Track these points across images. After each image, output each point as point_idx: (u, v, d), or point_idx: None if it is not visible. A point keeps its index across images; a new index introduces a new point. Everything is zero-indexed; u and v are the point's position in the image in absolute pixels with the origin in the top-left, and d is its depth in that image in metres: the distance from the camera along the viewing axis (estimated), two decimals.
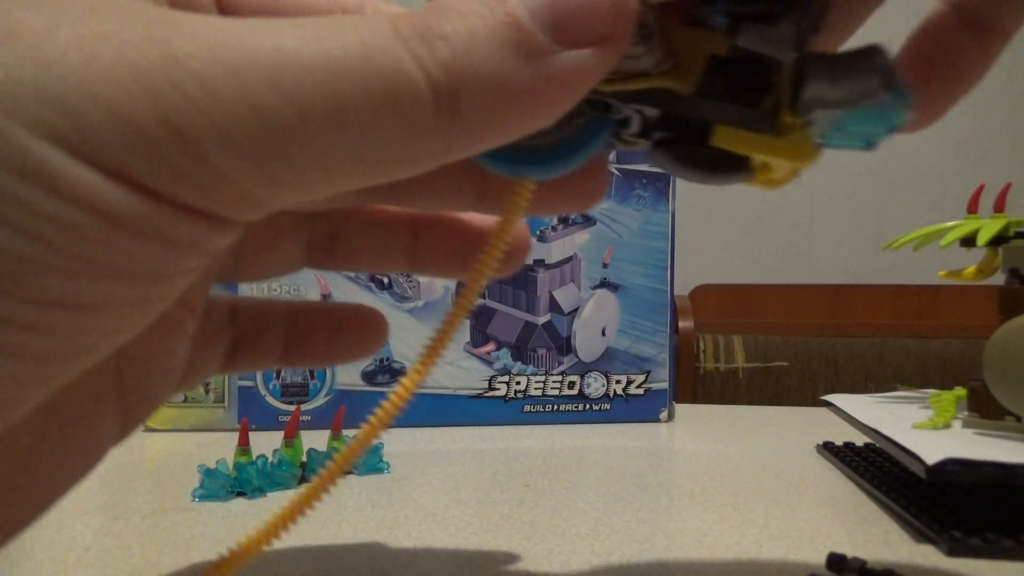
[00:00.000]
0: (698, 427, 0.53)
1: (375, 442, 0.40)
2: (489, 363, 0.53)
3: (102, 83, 0.11)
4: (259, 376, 0.50)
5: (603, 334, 0.54)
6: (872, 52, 0.15)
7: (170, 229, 0.12)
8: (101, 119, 0.11)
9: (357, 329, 0.23)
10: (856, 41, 0.17)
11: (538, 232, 0.53)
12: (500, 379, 0.53)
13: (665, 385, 0.54)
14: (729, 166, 0.16)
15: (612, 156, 0.53)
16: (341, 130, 0.12)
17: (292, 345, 0.22)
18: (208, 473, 0.34)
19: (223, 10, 0.18)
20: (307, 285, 0.50)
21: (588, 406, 0.54)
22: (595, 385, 0.54)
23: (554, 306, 0.53)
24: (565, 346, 0.53)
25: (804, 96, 0.15)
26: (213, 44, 0.12)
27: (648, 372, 0.54)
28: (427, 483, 0.37)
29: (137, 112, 0.12)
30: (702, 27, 0.16)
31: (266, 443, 0.40)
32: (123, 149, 0.12)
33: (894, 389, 0.49)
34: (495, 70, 0.13)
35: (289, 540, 0.29)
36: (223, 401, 0.50)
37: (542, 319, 0.53)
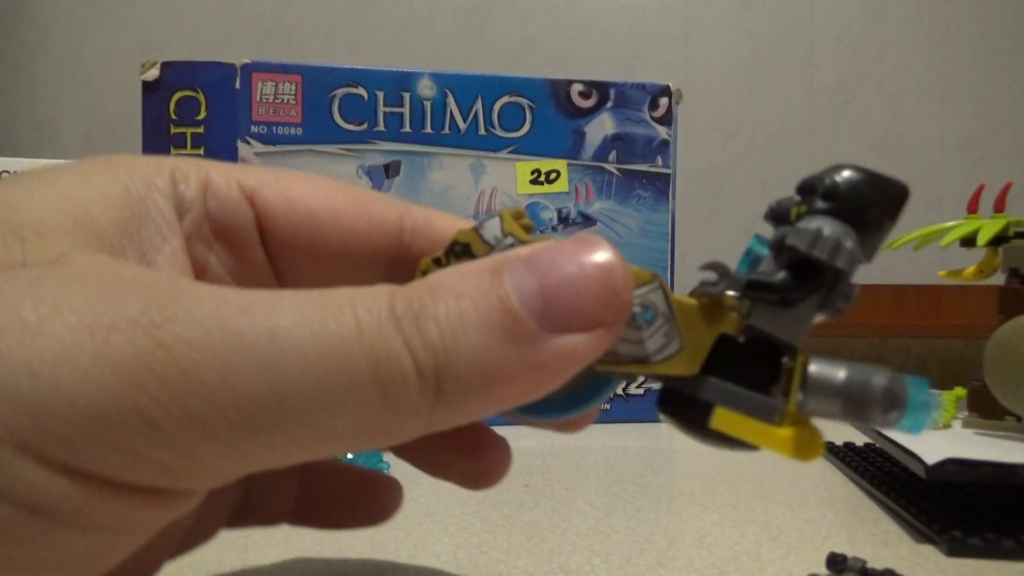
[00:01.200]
0: None
1: None
2: None
3: (75, 378, 0.11)
4: None
5: None
6: (879, 385, 0.14)
7: (119, 514, 0.12)
8: (65, 414, 0.11)
9: (371, 496, 0.22)
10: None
11: (538, 232, 0.53)
12: None
13: None
14: (732, 440, 0.15)
15: (612, 156, 0.53)
16: (323, 412, 0.12)
17: (302, 507, 0.21)
18: None
19: (264, 232, 0.18)
20: None
21: None
22: None
23: None
24: None
25: (806, 408, 0.15)
26: (207, 327, 0.12)
27: None
28: (427, 483, 0.37)
29: (107, 405, 0.11)
30: (713, 304, 0.15)
31: None
32: (81, 442, 0.11)
33: None
34: (481, 354, 0.13)
35: (289, 540, 0.29)
36: None
37: None
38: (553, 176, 0.53)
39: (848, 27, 1.62)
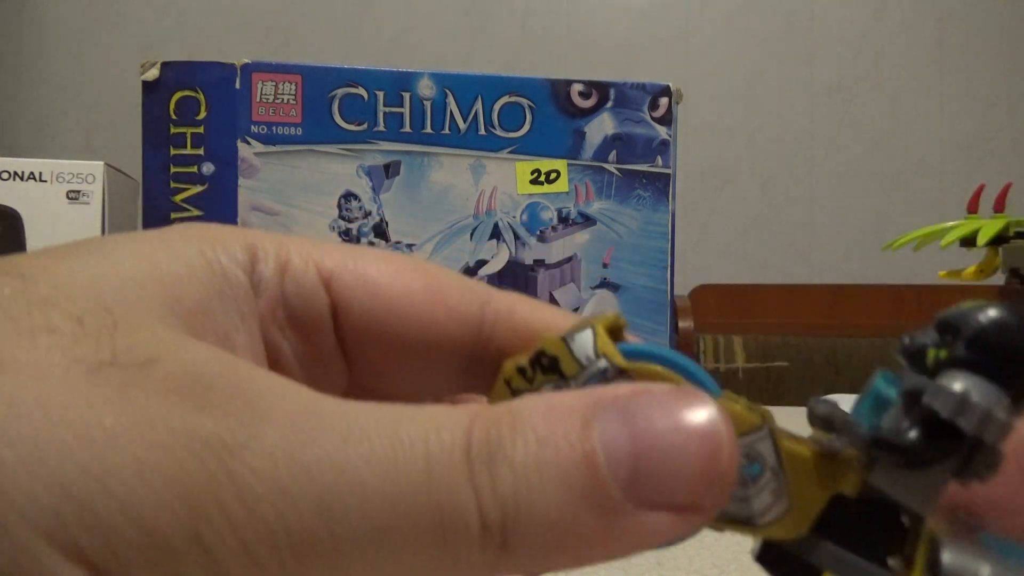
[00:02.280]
0: None
1: None
2: None
3: (145, 500, 0.11)
4: None
5: None
6: None
7: None
8: (133, 537, 0.11)
9: None
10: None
11: (538, 232, 0.53)
12: None
13: None
14: None
15: (612, 156, 0.54)
16: (375, 555, 0.12)
17: None
18: None
19: (338, 319, 0.17)
20: None
21: None
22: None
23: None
24: None
25: (942, 571, 0.13)
26: (276, 457, 0.12)
27: None
28: None
29: (171, 529, 0.11)
30: (829, 456, 0.13)
31: None
32: (142, 566, 0.11)
33: None
34: (555, 516, 0.12)
35: None
36: None
37: None
38: (553, 176, 0.53)
39: (848, 27, 1.62)
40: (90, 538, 0.11)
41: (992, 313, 0.13)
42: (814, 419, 0.14)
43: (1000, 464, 0.13)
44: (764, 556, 0.14)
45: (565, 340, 0.15)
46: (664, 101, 0.54)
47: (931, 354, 0.13)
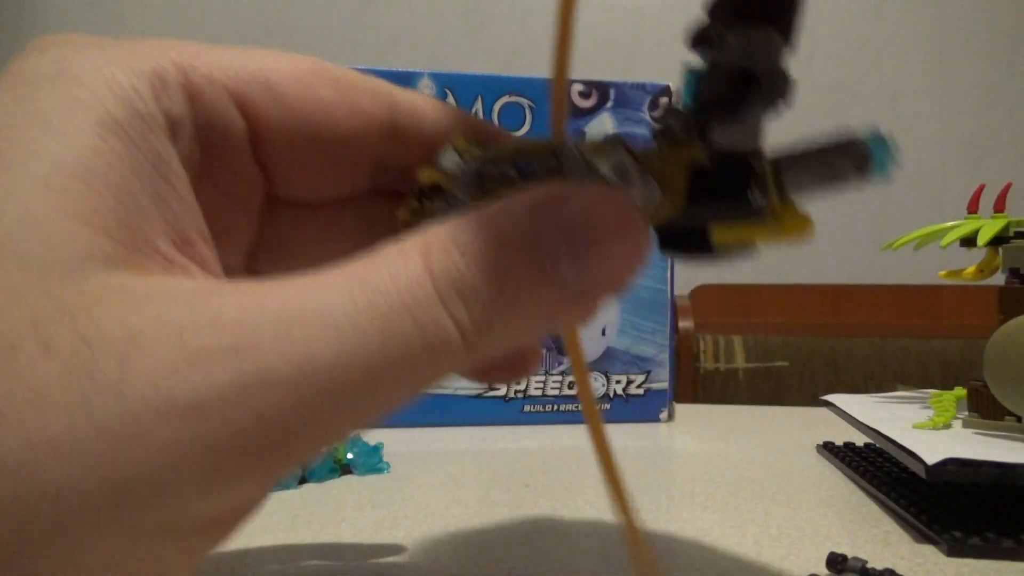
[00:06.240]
0: (698, 427, 0.53)
1: (374, 443, 0.40)
2: None
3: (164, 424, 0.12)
4: None
5: (603, 334, 0.54)
6: (846, 145, 0.15)
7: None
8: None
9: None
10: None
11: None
12: None
13: (665, 385, 0.54)
14: (733, 249, 0.17)
15: None
16: (382, 385, 0.13)
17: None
18: None
19: (256, 142, 0.17)
20: None
21: None
22: (595, 385, 0.54)
23: None
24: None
25: (785, 189, 0.16)
26: (292, 338, 0.12)
27: (648, 372, 0.54)
28: (427, 483, 0.37)
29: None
30: (673, 142, 0.16)
31: None
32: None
33: (894, 389, 0.49)
34: (520, 312, 0.14)
35: (289, 540, 0.29)
36: None
37: None
38: None
39: (848, 27, 1.62)
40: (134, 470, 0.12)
41: None
42: (663, 130, 0.16)
43: (792, 86, 0.16)
44: (664, 243, 0.17)
45: (436, 166, 0.18)
46: (664, 101, 0.54)
47: (712, 33, 0.16)
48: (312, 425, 0.12)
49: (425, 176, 0.18)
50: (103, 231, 0.13)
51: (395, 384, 0.13)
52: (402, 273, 0.13)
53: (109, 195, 0.13)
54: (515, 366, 0.20)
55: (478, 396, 0.52)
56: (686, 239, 0.17)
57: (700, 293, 1.51)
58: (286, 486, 0.35)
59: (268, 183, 0.19)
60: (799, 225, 0.16)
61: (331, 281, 0.13)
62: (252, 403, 0.12)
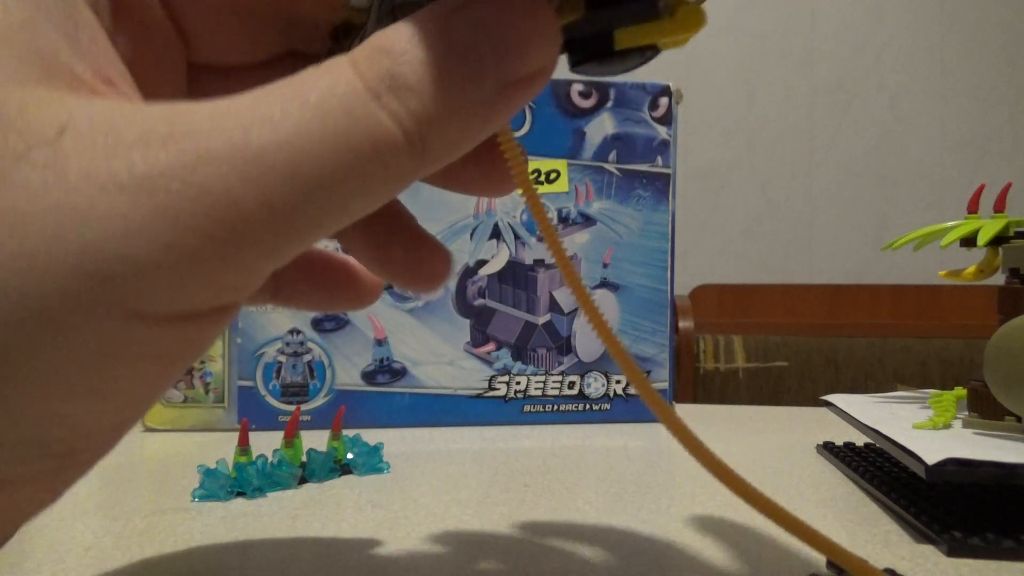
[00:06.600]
0: (698, 427, 0.53)
1: (376, 442, 0.40)
2: (489, 363, 0.53)
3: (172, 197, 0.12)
4: (259, 376, 0.50)
5: None
6: None
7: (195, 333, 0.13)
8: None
9: (350, 276, 0.23)
10: None
11: (538, 232, 0.53)
12: (500, 379, 0.53)
13: (665, 385, 0.54)
14: (637, 55, 0.17)
15: (612, 156, 0.53)
16: (336, 188, 0.13)
17: (283, 285, 0.22)
18: (208, 473, 0.34)
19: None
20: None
21: (588, 406, 0.54)
22: (595, 385, 0.54)
23: (554, 306, 0.53)
24: (565, 346, 0.53)
25: None
26: (245, 152, 0.13)
27: (648, 372, 0.54)
28: (427, 483, 0.37)
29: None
30: None
31: (266, 443, 0.40)
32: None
33: (894, 389, 0.49)
34: (455, 106, 0.14)
35: (288, 539, 0.29)
36: (223, 401, 0.50)
37: (542, 319, 0.53)
38: (553, 176, 0.53)
39: (848, 27, 1.62)
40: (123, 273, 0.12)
41: None
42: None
43: None
44: (573, 61, 0.17)
45: (346, 5, 0.19)
46: (664, 101, 0.54)
47: None
48: (264, 208, 0.12)
49: (335, 20, 0.19)
50: (16, 58, 0.13)
51: (342, 178, 0.13)
52: (333, 81, 0.13)
53: (14, 24, 0.13)
54: (487, 172, 0.20)
55: (478, 396, 0.52)
56: (591, 51, 0.17)
57: (700, 293, 1.51)
58: (286, 486, 0.36)
59: (186, 48, 0.19)
60: (696, 20, 0.16)
61: (261, 95, 0.13)
62: (196, 179, 0.12)
